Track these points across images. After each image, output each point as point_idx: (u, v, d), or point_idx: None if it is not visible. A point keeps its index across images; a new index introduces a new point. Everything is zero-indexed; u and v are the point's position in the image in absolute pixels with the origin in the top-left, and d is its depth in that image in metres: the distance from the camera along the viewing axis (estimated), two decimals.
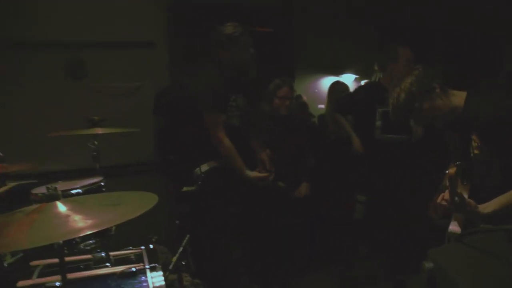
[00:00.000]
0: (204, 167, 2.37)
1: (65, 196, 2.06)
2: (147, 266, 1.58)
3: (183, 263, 2.10)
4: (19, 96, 3.14)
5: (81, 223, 1.02)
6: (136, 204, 1.10)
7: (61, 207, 1.12)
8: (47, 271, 1.63)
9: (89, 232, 0.98)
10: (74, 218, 1.05)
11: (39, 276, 1.57)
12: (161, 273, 1.55)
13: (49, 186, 1.14)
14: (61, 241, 1.15)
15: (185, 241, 2.20)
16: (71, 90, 3.31)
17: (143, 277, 1.53)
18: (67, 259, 1.70)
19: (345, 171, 3.42)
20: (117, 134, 2.52)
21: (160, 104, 3.20)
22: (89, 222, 0.97)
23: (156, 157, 3.40)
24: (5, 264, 1.70)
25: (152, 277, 1.52)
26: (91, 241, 2.01)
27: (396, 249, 3.04)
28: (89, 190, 1.98)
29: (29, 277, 1.56)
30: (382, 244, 3.23)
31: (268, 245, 2.89)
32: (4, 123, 3.03)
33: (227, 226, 2.35)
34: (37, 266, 1.66)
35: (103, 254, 1.65)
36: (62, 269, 1.16)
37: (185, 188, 2.71)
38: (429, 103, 1.74)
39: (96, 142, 2.33)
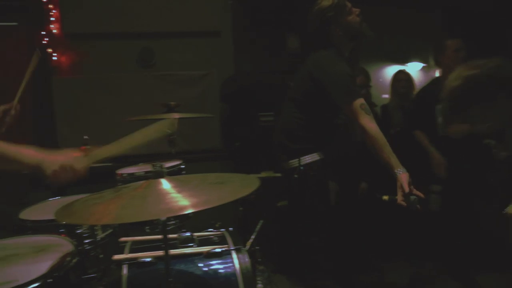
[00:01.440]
0: (305, 160, 2.15)
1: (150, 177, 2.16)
2: (232, 248, 1.60)
3: (257, 247, 2.12)
4: (98, 83, 3.31)
5: (189, 200, 1.04)
6: (239, 184, 1.11)
7: (166, 185, 1.16)
8: (135, 247, 1.70)
9: (197, 210, 0.99)
10: (181, 195, 1.08)
11: (130, 252, 1.64)
12: (246, 254, 1.56)
13: (155, 163, 1.18)
14: (164, 218, 1.20)
15: (258, 226, 2.23)
16: (141, 78, 3.45)
17: (229, 258, 1.55)
18: (150, 237, 1.78)
19: (413, 163, 3.32)
20: (185, 121, 2.58)
21: (227, 91, 3.23)
22: (203, 198, 1.00)
23: (223, 143, 3.46)
24: (98, 238, 1.80)
25: (238, 258, 1.54)
26: (171, 222, 2.09)
27: (465, 245, 2.90)
28: (170, 173, 2.04)
29: (120, 251, 1.64)
30: (452, 239, 3.10)
31: (348, 240, 2.86)
32: (87, 110, 3.21)
33: (319, 221, 2.23)
34: (125, 242, 1.74)
35: (188, 234, 1.69)
36: (165, 245, 1.20)
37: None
38: (492, 110, 1.51)
39: None
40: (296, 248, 2.53)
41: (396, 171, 1.90)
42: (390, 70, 4.37)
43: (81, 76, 3.32)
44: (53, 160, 1.30)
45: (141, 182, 1.22)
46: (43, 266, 1.19)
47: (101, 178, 2.25)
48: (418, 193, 1.87)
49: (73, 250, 1.31)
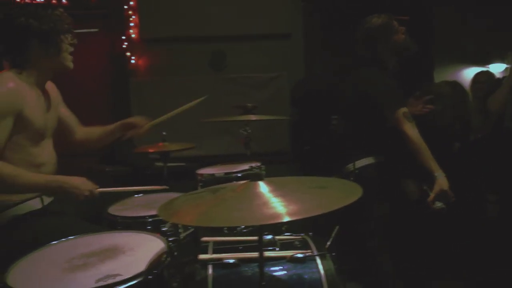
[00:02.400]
0: (359, 163, 2.28)
1: (232, 179, 2.19)
2: (316, 253, 1.56)
3: (333, 254, 2.06)
4: (172, 85, 3.43)
5: (296, 206, 1.02)
6: (342, 189, 1.07)
7: (264, 188, 1.14)
8: (217, 248, 1.72)
9: (304, 217, 0.95)
10: (282, 199, 1.06)
11: (213, 252, 1.65)
12: (331, 262, 1.52)
13: (253, 165, 1.17)
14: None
15: (334, 232, 2.16)
16: (213, 80, 3.53)
17: (313, 264, 1.52)
18: (232, 238, 1.79)
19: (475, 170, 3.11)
20: (257, 123, 2.59)
21: (297, 96, 3.21)
22: (307, 204, 0.97)
23: (291, 146, 3.44)
24: (181, 237, 1.84)
25: (323, 265, 1.50)
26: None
27: None
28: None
29: (204, 252, 1.65)
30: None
31: (411, 246, 2.74)
32: (162, 110, 3.33)
33: (378, 225, 2.24)
34: (207, 242, 1.76)
35: (270, 237, 1.67)
36: (260, 247, 1.19)
37: None
38: None
39: (249, 130, 2.42)
40: (358, 252, 2.50)
41: (436, 174, 2.06)
42: (469, 73, 4.09)
43: (156, 78, 3.47)
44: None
45: (239, 183, 1.22)
46: (141, 262, 1.23)
47: (179, 177, 2.33)
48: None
49: (168, 248, 1.34)
